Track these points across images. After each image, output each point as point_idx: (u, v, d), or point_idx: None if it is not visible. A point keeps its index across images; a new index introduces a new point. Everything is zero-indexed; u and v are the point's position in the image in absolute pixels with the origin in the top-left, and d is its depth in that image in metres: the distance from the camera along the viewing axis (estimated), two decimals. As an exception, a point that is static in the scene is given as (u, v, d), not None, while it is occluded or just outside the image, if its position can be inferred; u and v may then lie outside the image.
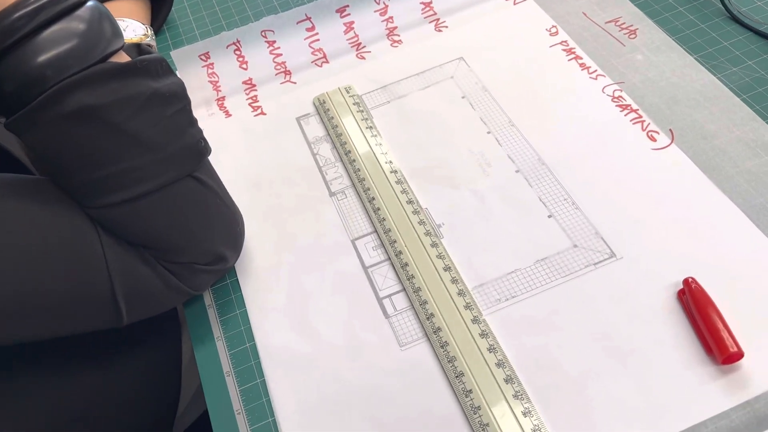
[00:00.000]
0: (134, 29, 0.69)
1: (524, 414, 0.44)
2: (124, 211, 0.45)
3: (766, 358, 0.45)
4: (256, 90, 0.70)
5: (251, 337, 0.52)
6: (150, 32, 0.70)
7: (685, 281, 0.48)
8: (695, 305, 0.47)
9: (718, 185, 0.54)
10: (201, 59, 0.71)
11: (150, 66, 0.44)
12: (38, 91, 0.40)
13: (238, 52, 0.72)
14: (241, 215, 0.54)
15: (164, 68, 0.45)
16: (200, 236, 0.50)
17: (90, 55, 0.41)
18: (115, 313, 0.47)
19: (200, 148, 0.48)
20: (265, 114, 0.68)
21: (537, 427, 0.44)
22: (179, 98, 0.46)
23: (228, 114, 0.68)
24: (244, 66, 0.71)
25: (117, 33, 0.43)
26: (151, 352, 0.62)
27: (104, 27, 0.42)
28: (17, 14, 0.39)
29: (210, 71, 0.71)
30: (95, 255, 0.45)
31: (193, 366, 0.66)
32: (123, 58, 0.44)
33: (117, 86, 0.42)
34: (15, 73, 0.39)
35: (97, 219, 0.46)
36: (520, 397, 0.45)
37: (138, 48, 0.47)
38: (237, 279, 0.56)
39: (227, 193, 0.53)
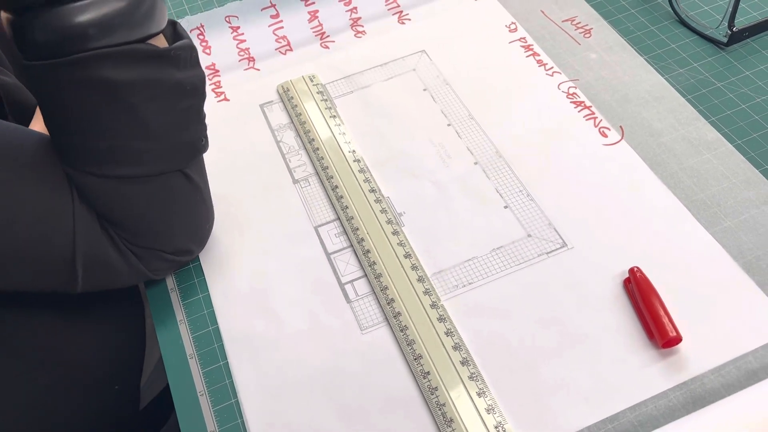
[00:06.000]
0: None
1: (479, 394, 0.47)
2: (104, 185, 0.46)
3: (702, 342, 0.48)
4: (219, 76, 0.70)
5: (214, 320, 0.53)
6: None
7: (631, 270, 0.51)
8: (639, 293, 0.50)
9: (663, 180, 0.57)
10: (164, 43, 0.71)
11: (181, 56, 0.44)
12: (77, 49, 0.40)
13: (201, 37, 0.72)
14: (213, 213, 0.55)
15: (193, 59, 0.46)
16: (172, 230, 0.51)
17: (135, 29, 0.41)
18: (71, 277, 0.47)
19: (199, 146, 0.49)
20: (228, 100, 0.68)
21: (491, 407, 0.46)
22: (197, 92, 0.47)
23: (191, 99, 0.68)
24: (207, 51, 0.71)
25: (162, 12, 0.43)
26: (112, 319, 0.62)
27: (151, 2, 0.42)
28: None
29: (173, 55, 0.70)
30: (64, 220, 0.45)
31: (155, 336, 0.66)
32: (160, 39, 0.44)
33: (144, 70, 0.42)
34: (57, 26, 0.39)
35: (75, 181, 0.46)
36: (475, 378, 0.47)
37: (173, 27, 0.47)
38: (200, 263, 0.56)
39: (209, 190, 0.53)
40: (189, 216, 0.51)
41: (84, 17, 0.39)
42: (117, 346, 0.61)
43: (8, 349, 0.52)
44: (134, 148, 0.45)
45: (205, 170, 0.52)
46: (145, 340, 0.65)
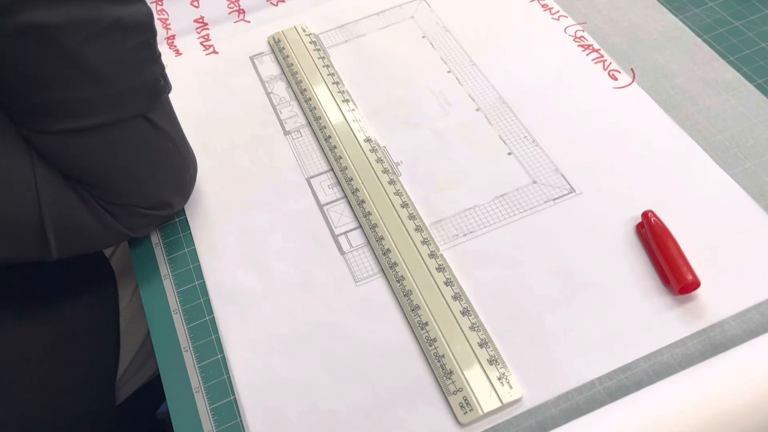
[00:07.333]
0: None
1: (480, 345, 0.43)
2: (63, 142, 0.43)
3: (722, 287, 0.44)
4: (208, 29, 0.67)
5: (200, 275, 0.50)
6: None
7: (644, 214, 0.47)
8: (653, 237, 0.46)
9: (678, 122, 0.53)
10: (149, -5, 0.68)
11: None
12: None
13: (189, -11, 0.68)
14: (194, 160, 0.52)
15: None
16: (143, 181, 0.47)
17: None
18: (43, 245, 0.44)
19: (158, 88, 0.45)
20: (217, 53, 0.65)
21: (493, 358, 0.43)
22: (144, 30, 0.43)
23: (178, 53, 0.65)
24: (196, 4, 0.68)
25: None
26: (80, 309, 0.58)
27: None
28: None
29: (159, 8, 0.68)
30: (26, 184, 0.42)
31: (132, 327, 0.63)
32: None
33: (75, 8, 0.38)
34: None
35: (34, 144, 0.43)
36: (476, 328, 0.44)
37: None
38: (186, 218, 0.53)
39: (183, 136, 0.50)
40: (161, 165, 0.47)
41: None
42: (86, 339, 0.57)
43: None
44: (85, 96, 0.41)
45: (173, 115, 0.49)
46: (119, 328, 0.61)
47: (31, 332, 0.53)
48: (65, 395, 0.55)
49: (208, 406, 0.43)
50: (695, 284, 0.43)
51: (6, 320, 0.52)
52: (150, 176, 0.47)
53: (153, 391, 0.65)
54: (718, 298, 0.44)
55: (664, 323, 0.43)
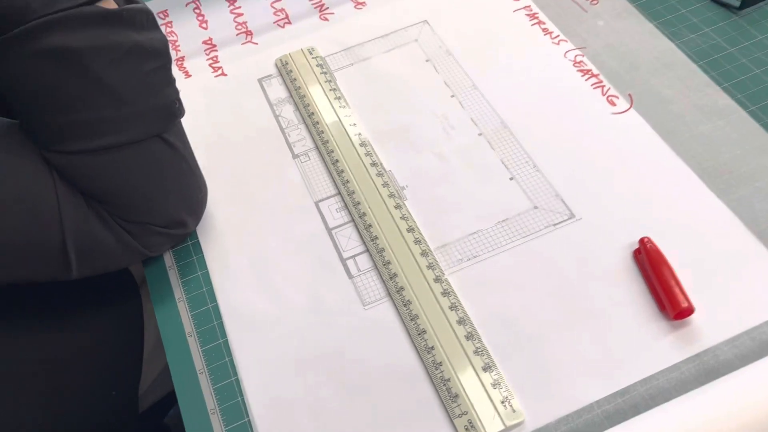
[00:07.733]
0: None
1: (484, 369, 0.45)
2: (84, 161, 0.45)
3: (715, 313, 0.46)
4: (216, 51, 0.69)
5: (213, 297, 0.52)
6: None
7: (641, 241, 0.49)
8: (650, 263, 0.48)
9: (673, 148, 0.55)
10: (159, 17, 0.69)
11: (135, 17, 0.43)
12: (19, 21, 0.39)
13: (197, 11, 0.70)
14: (205, 183, 0.54)
15: (150, 21, 0.44)
16: (158, 199, 0.49)
17: None
18: (65, 265, 0.46)
19: (174, 110, 0.48)
20: (225, 75, 0.67)
21: (497, 381, 0.45)
22: (160, 55, 0.46)
23: (188, 75, 0.67)
24: (204, 26, 0.70)
25: None
26: (106, 321, 0.60)
27: None
28: None
29: (168, 30, 0.69)
30: (49, 205, 0.44)
31: (157, 352, 0.64)
32: (110, 3, 0.43)
33: (98, 32, 0.41)
34: None
35: (54, 164, 0.45)
36: (480, 353, 0.46)
37: None
38: (198, 241, 0.55)
39: (194, 158, 0.52)
40: (176, 184, 0.50)
41: None
42: (109, 349, 0.59)
43: None
44: (107, 117, 0.43)
45: (186, 137, 0.51)
46: (143, 340, 0.63)
47: (52, 340, 0.55)
48: (85, 402, 0.57)
49: (223, 427, 0.45)
50: (689, 310, 0.45)
51: (26, 328, 0.54)
52: (165, 194, 0.49)
53: (168, 397, 0.67)
54: (711, 324, 0.46)
55: (660, 348, 0.45)
